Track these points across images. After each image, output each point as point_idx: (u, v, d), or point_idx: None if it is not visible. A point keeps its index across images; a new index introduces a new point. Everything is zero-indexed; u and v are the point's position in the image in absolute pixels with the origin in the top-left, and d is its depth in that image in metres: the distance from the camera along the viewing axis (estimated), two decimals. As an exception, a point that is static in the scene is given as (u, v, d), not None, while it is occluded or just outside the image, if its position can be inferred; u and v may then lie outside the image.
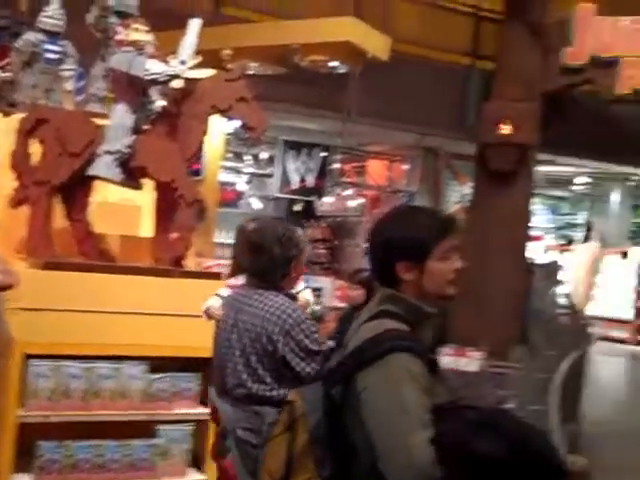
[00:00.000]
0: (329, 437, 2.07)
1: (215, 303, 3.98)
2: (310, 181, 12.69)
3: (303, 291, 4.38)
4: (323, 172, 12.70)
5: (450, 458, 1.84)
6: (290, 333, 3.03)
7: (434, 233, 2.14)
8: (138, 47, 4.50)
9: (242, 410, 3.05)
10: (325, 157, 12.68)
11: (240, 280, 3.70)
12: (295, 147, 12.55)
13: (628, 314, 15.04)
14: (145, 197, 4.95)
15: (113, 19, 5.07)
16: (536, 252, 13.12)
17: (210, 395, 3.37)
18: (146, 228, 5.04)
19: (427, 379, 1.99)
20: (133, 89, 4.55)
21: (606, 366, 11.75)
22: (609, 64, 9.61)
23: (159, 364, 4.20)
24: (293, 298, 3.26)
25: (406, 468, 1.88)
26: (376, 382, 1.97)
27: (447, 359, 6.27)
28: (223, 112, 4.58)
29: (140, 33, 4.55)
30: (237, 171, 12.76)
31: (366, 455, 1.98)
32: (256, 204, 12.98)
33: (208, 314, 4.05)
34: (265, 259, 3.17)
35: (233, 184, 12.75)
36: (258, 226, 3.36)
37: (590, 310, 14.19)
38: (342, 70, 8.64)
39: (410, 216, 2.24)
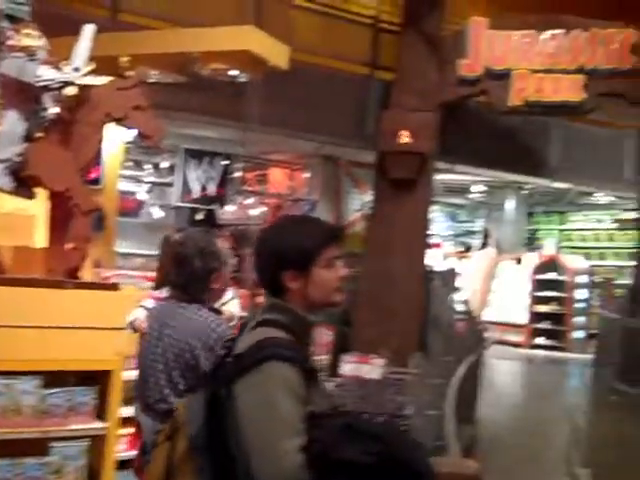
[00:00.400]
0: (208, 445, 2.08)
1: (141, 315, 3.91)
2: (212, 190, 12.62)
3: (230, 302, 4.33)
4: (225, 181, 12.65)
5: (319, 464, 1.90)
6: (214, 349, 2.99)
7: (318, 241, 2.19)
8: (30, 53, 4.39)
9: (163, 425, 3.00)
10: (227, 165, 12.63)
11: (165, 292, 3.64)
12: (196, 156, 12.45)
13: (523, 318, 15.47)
14: (39, 206, 4.82)
15: (4, 23, 4.92)
16: (435, 259, 13.36)
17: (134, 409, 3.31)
18: (40, 238, 4.91)
19: (304, 388, 2.02)
20: (24, 95, 4.43)
21: (502, 369, 12.07)
22: (501, 76, 9.92)
23: (54, 378, 4.09)
24: (217, 312, 3.22)
25: (276, 474, 1.92)
26: (252, 389, 2.00)
27: (349, 366, 6.31)
28: (119, 120, 4.52)
29: (32, 38, 4.44)
30: (137, 180, 12.56)
31: (243, 462, 1.99)
32: (157, 213, 12.80)
33: (133, 326, 3.98)
34: (186, 272, 3.14)
35: (133, 193, 12.54)
36: (181, 238, 3.33)
37: (487, 315, 14.58)
38: (243, 79, 8.63)
39: (294, 226, 2.28)
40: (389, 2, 11.49)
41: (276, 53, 8.07)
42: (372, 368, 6.10)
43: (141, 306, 4.05)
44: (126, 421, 4.34)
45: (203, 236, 3.26)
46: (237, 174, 12.81)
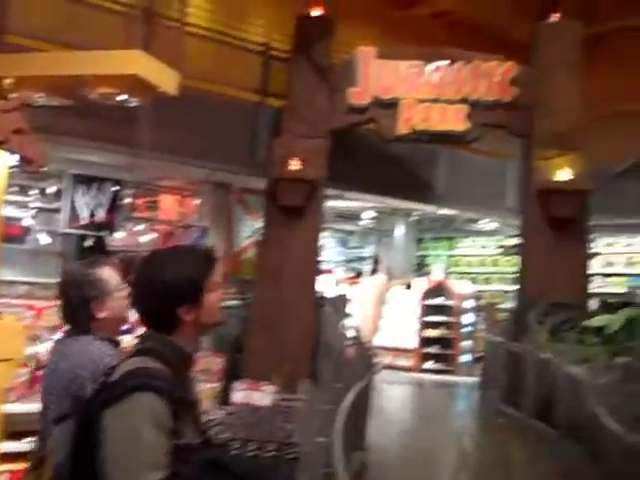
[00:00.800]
0: (73, 475, 2.03)
1: (43, 348, 3.85)
2: (100, 216, 12.36)
3: None
4: (114, 207, 12.42)
5: None
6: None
7: (204, 270, 2.24)
8: None
9: None
10: (116, 191, 12.40)
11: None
12: (85, 181, 12.18)
13: (413, 343, 15.68)
14: None
15: None
16: (327, 285, 13.46)
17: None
18: None
19: (173, 420, 2.00)
20: None
21: (392, 394, 12.21)
22: (389, 105, 10.16)
23: None
24: (114, 342, 3.16)
25: None
26: (118, 419, 1.98)
27: (240, 394, 6.28)
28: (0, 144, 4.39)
29: None
30: (23, 205, 12.18)
31: None
32: (44, 239, 12.43)
33: (37, 359, 3.91)
34: (64, 303, 3.09)
35: (19, 219, 12.15)
36: (65, 270, 3.29)
37: (377, 340, 14.74)
38: (132, 104, 8.50)
39: (176, 260, 2.28)
40: (279, 30, 11.60)
41: (165, 78, 7.99)
42: (263, 395, 6.09)
43: (50, 339, 4.00)
44: (7, 456, 4.18)
45: (81, 266, 3.20)
46: (127, 200, 12.61)
